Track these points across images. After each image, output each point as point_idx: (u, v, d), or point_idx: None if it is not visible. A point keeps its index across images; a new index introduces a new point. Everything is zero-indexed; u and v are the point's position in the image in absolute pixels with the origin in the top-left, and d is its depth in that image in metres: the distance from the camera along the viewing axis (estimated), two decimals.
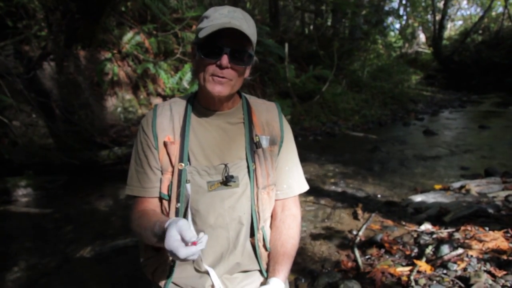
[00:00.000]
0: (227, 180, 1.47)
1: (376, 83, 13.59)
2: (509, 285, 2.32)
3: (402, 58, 21.46)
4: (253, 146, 1.51)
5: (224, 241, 1.50)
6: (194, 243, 1.18)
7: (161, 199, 1.51)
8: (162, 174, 1.49)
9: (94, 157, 5.85)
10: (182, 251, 1.17)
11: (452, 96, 17.52)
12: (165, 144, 1.46)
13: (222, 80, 1.38)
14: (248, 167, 1.50)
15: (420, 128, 9.34)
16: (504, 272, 2.45)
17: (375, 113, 11.39)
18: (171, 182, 1.47)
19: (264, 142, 1.53)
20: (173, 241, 1.18)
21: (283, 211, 1.61)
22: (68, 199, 4.64)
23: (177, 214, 1.48)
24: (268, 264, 1.56)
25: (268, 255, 1.59)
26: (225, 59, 1.34)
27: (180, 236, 1.20)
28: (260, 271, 1.60)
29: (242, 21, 1.35)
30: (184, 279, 1.52)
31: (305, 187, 1.65)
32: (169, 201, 1.49)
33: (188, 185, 1.45)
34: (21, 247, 3.30)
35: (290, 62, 10.59)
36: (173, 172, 1.47)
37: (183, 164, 1.45)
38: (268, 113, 1.59)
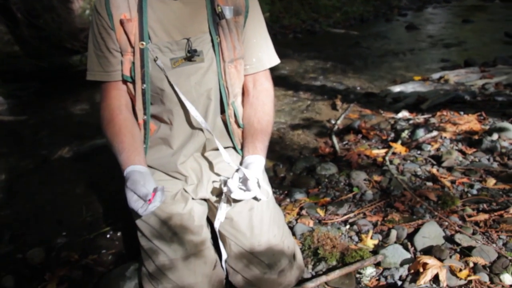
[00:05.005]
0: (191, 55, 1.39)
1: None
2: (477, 160, 2.41)
3: None
4: (216, 18, 1.41)
5: (193, 118, 1.47)
6: (150, 201, 1.24)
7: (125, 81, 1.44)
8: (122, 55, 1.40)
9: (66, 62, 5.60)
10: (141, 211, 1.24)
11: None
12: (121, 23, 1.35)
13: None
14: (212, 40, 1.42)
15: (403, 24, 9.11)
16: (474, 150, 2.54)
17: (357, 10, 11.00)
18: (133, 63, 1.39)
19: (228, 13, 1.42)
20: (131, 203, 1.25)
21: (255, 86, 1.56)
22: (42, 105, 4.50)
23: (143, 96, 1.42)
24: (244, 142, 1.55)
25: (242, 133, 1.58)
26: None
27: (136, 195, 1.25)
28: (234, 148, 1.60)
29: None
30: (156, 160, 1.52)
31: (275, 60, 1.59)
32: (134, 82, 1.43)
33: (158, 62, 1.37)
34: None
35: None
36: (133, 52, 1.38)
37: (144, 43, 1.36)
38: None
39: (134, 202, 1.25)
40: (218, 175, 1.51)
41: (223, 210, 1.42)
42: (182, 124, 1.47)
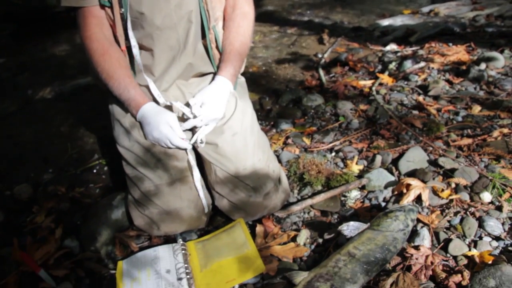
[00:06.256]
0: None
1: None
2: (464, 89, 2.41)
3: None
4: None
5: (174, 42, 1.41)
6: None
7: (103, 6, 1.37)
8: None
9: (42, 3, 5.31)
10: (177, 139, 1.34)
11: None
12: None
13: None
14: None
15: None
16: (461, 79, 2.52)
17: None
18: None
19: None
20: (176, 140, 1.34)
21: (234, 10, 1.49)
22: (20, 47, 4.31)
23: (123, 20, 1.35)
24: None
25: None
26: None
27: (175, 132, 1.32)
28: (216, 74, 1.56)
29: None
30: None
31: None
32: (111, 7, 1.35)
33: None
34: None
35: None
36: None
37: None
38: None
39: (179, 139, 1.34)
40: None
41: (202, 129, 1.39)
42: (163, 49, 1.41)
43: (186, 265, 1.32)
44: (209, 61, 1.51)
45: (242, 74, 1.70)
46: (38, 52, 4.19)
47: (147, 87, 1.43)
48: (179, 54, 1.43)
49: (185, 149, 1.39)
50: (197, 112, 1.34)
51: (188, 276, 1.29)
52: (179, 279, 1.29)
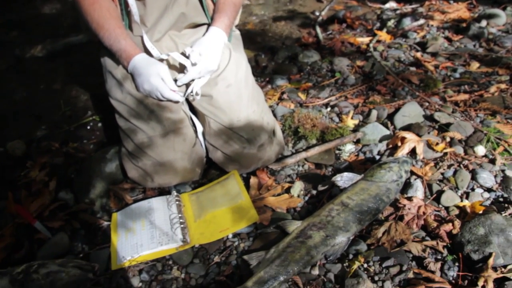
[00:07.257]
0: None
1: None
2: (463, 46, 2.37)
3: None
4: None
5: None
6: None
7: None
8: None
9: None
10: (168, 92, 1.29)
11: None
12: None
13: None
14: None
15: None
16: (461, 36, 2.48)
17: None
18: None
19: None
20: (167, 92, 1.29)
21: None
22: (8, 6, 4.18)
23: None
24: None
25: None
26: None
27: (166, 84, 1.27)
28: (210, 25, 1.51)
29: None
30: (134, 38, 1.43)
31: None
32: None
33: None
34: None
35: None
36: None
37: None
38: None
39: (170, 91, 1.30)
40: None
41: (196, 82, 1.37)
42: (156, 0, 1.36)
43: (180, 215, 1.33)
44: (203, 11, 1.46)
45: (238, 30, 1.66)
46: (27, 10, 4.06)
47: (141, 38, 1.39)
48: (172, 4, 1.38)
49: (177, 102, 1.36)
50: (196, 59, 1.30)
51: (182, 226, 1.30)
52: (173, 228, 1.30)
